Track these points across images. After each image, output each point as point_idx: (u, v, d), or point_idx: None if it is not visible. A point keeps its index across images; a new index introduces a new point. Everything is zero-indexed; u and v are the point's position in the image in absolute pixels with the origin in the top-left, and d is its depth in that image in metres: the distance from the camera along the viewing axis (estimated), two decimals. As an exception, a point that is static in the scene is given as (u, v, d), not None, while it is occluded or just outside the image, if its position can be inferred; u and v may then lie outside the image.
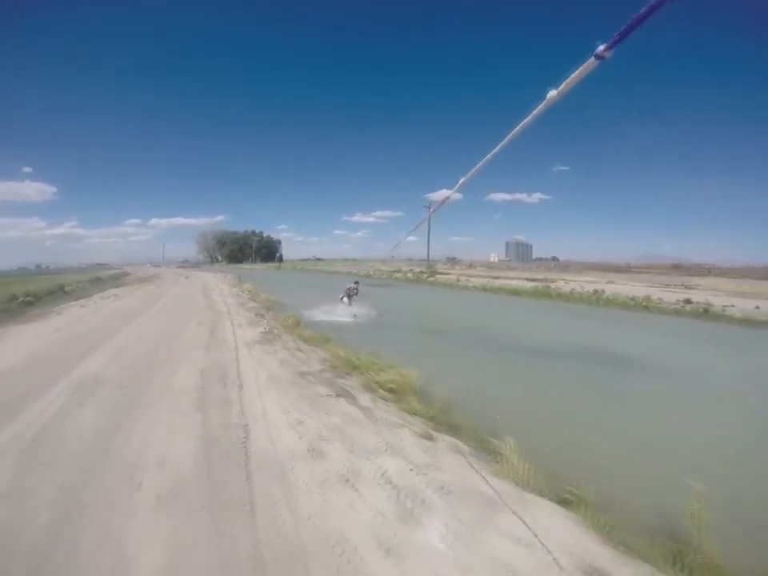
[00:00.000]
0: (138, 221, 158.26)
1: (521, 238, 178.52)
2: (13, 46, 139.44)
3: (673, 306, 16.23)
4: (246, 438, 2.98)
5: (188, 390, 4.15)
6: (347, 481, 2.49)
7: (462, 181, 2.19)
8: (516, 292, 21.90)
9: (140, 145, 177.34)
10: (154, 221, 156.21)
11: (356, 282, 13.43)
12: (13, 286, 18.51)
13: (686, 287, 30.63)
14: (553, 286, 22.36)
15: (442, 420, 3.83)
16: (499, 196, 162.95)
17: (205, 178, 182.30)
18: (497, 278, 31.37)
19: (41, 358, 5.56)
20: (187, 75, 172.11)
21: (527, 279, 29.59)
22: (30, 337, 7.14)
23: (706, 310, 14.66)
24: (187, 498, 2.29)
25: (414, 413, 3.93)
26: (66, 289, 20.44)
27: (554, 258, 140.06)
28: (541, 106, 1.38)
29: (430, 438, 3.28)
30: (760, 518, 2.63)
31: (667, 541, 2.17)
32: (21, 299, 14.12)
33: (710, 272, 52.73)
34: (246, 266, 70.94)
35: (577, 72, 1.19)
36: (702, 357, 7.78)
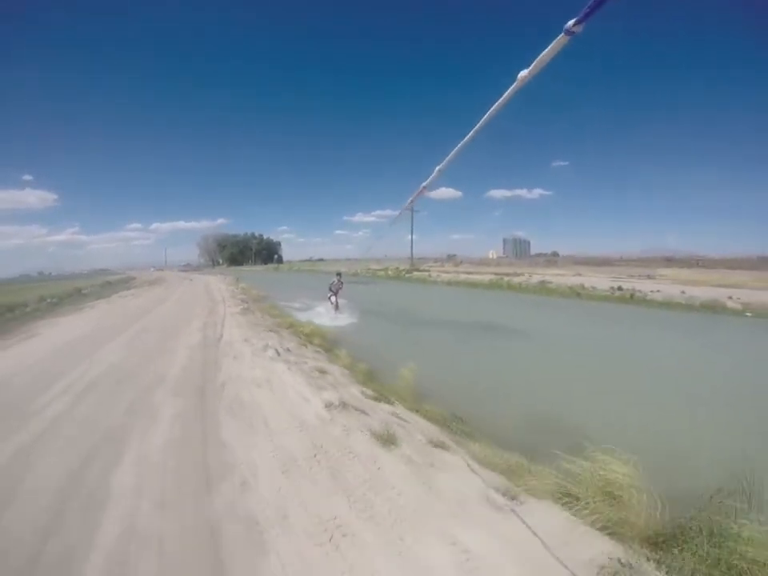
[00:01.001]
0: (139, 225, 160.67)
1: (518, 234, 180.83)
2: (12, 51, 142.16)
3: (604, 293, 19.92)
4: (221, 337, 7.14)
5: (197, 328, 8.31)
6: (264, 347, 6.57)
7: (437, 169, 2.11)
8: (473, 285, 25.91)
9: (140, 149, 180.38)
10: (155, 225, 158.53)
11: (338, 275, 12.90)
12: (29, 291, 21.94)
13: (648, 277, 34.42)
14: (506, 279, 26.27)
15: (327, 347, 7.81)
16: (499, 192, 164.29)
17: (205, 182, 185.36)
18: (470, 273, 35.25)
19: (105, 326, 9.73)
20: (186, 79, 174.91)
21: (495, 274, 33.44)
22: (83, 321, 11.31)
23: (631, 296, 18.26)
24: (198, 348, 6.41)
25: (308, 338, 8.01)
26: (83, 292, 24.68)
27: (554, 254, 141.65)
28: (513, 87, 1.37)
29: (305, 344, 7.34)
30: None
31: (446, 411, 6.13)
32: (48, 300, 18.20)
33: (698, 263, 56.16)
34: (245, 269, 75.26)
35: (547, 50, 1.17)
36: (574, 328, 10.55)
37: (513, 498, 2.28)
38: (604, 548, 1.84)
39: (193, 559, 1.88)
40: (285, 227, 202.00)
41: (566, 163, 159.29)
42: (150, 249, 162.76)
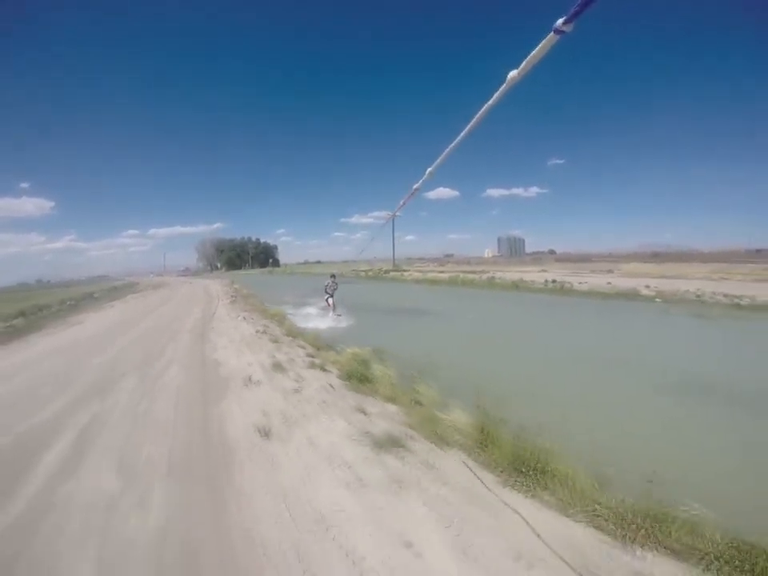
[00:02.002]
0: (136, 231, 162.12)
1: (513, 233, 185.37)
2: (7, 58, 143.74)
3: (539, 286, 24.19)
4: (214, 313, 11.66)
5: (199, 311, 12.80)
6: (239, 318, 10.99)
7: (429, 170, 2.15)
8: (435, 282, 30.33)
9: (136, 155, 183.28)
10: (152, 231, 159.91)
11: (332, 276, 13.21)
12: (40, 297, 25.52)
13: (609, 271, 38.86)
14: (461, 276, 30.69)
15: (279, 320, 12.24)
16: (496, 191, 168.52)
17: (202, 186, 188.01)
18: (441, 272, 39.67)
19: (131, 315, 14.20)
20: (182, 82, 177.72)
21: (463, 272, 37.82)
22: (112, 313, 15.78)
23: (561, 287, 22.66)
24: (200, 319, 10.86)
25: (268, 315, 12.46)
26: (95, 296, 29.04)
27: (551, 251, 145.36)
28: (502, 88, 1.38)
29: (266, 318, 11.78)
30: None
31: (321, 342, 10.57)
32: (68, 303, 22.38)
33: (680, 258, 60.56)
34: (242, 272, 79.74)
35: (537, 49, 1.18)
36: (482, 311, 14.95)
37: (348, 387, 6.72)
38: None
39: (198, 365, 6.33)
40: (282, 230, 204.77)
41: (562, 161, 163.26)
42: (147, 255, 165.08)
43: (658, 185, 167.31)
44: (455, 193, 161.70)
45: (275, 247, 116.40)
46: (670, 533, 1.98)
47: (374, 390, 4.68)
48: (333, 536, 2.04)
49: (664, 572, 1.78)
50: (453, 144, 1.85)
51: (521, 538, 2.03)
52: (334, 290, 12.69)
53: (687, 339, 9.22)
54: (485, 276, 29.84)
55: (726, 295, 15.87)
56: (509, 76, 1.32)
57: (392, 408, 4.01)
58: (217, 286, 31.85)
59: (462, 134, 1.74)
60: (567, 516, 2.20)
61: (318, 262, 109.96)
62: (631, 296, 18.28)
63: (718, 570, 1.77)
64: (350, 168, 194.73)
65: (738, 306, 14.11)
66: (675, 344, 8.58)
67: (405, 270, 46.94)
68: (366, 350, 6.14)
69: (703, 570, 1.77)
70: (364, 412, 3.84)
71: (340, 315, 12.15)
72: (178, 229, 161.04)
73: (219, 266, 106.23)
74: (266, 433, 3.33)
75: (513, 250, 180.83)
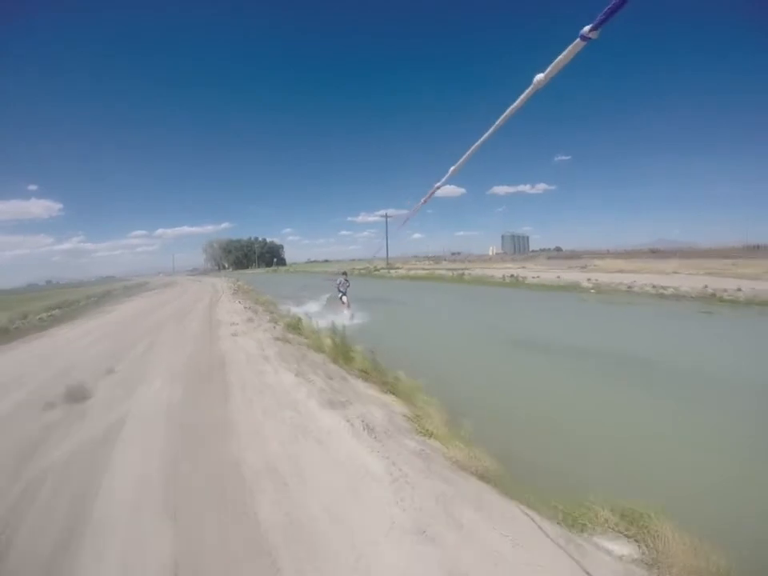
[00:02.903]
0: (144, 232, 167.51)
1: (517, 230, 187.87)
2: (12, 61, 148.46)
3: (498, 280, 28.34)
4: (219, 300, 16.17)
5: (207, 300, 17.33)
6: (236, 302, 15.43)
7: (452, 169, 2.19)
8: (414, 278, 34.55)
9: (143, 156, 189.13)
10: (159, 231, 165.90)
11: (344, 274, 13.51)
12: (62, 295, 30.26)
13: (582, 268, 42.61)
14: (437, 272, 34.88)
15: (268, 309, 16.65)
16: (502, 189, 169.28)
17: (209, 186, 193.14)
18: (425, 269, 43.82)
19: (153, 305, 18.82)
20: (189, 83, 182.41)
21: (445, 269, 41.94)
22: (137, 304, 20.46)
23: (517, 280, 26.78)
24: (208, 304, 15.36)
25: (259, 302, 16.90)
26: (114, 293, 33.99)
27: (558, 248, 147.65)
28: (528, 90, 1.42)
29: (256, 302, 16.22)
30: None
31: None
32: (92, 299, 27.18)
33: (675, 255, 63.70)
34: (249, 272, 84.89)
35: (563, 54, 1.23)
36: (433, 299, 20.23)
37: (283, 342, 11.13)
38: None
39: (207, 320, 10.75)
40: (289, 229, 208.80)
41: (568, 157, 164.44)
42: (155, 255, 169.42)
43: (665, 181, 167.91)
44: (462, 190, 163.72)
45: (281, 247, 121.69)
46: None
47: (299, 332, 9.00)
48: (244, 355, 6.41)
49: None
50: (476, 144, 1.87)
51: (354, 388, 6.35)
52: (347, 287, 12.98)
53: (560, 315, 13.20)
54: (457, 272, 33.97)
55: (654, 286, 19.60)
56: (535, 79, 1.38)
57: (300, 338, 8.34)
58: (223, 283, 36.57)
59: (487, 134, 1.77)
60: (384, 393, 6.49)
61: (326, 261, 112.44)
62: (571, 288, 22.21)
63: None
64: (356, 167, 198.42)
65: (662, 296, 17.70)
66: (543, 317, 12.62)
67: (397, 268, 51.13)
68: (303, 315, 10.48)
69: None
70: (286, 340, 8.18)
71: (353, 315, 12.20)
72: (186, 229, 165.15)
73: (227, 265, 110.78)
74: (234, 334, 7.78)
75: (517, 247, 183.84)
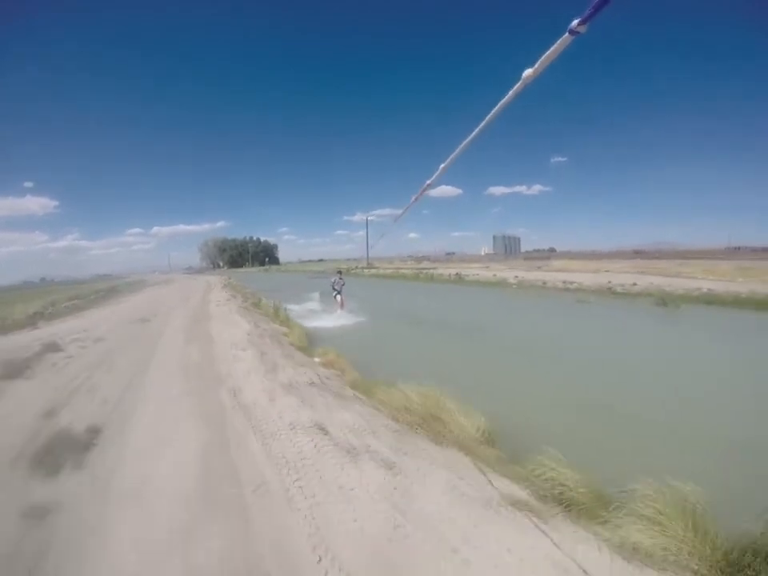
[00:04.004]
0: (139, 230, 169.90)
1: (508, 232, 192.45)
2: (10, 58, 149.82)
3: (445, 278, 33.89)
4: (212, 288, 21.76)
5: (202, 291, 22.89)
6: (223, 292, 20.95)
7: (442, 166, 2.20)
8: (384, 276, 40.12)
9: (139, 154, 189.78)
10: (155, 229, 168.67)
11: (339, 273, 13.79)
12: (64, 292, 36.40)
13: (538, 268, 48.04)
14: (401, 271, 40.50)
15: (245, 296, 22.17)
16: (499, 189, 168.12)
17: (205, 184, 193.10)
18: (399, 269, 49.41)
19: (158, 297, 24.38)
20: (185, 81, 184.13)
21: (418, 269, 47.57)
22: (143, 296, 25.98)
23: (460, 277, 32.43)
24: (203, 293, 20.90)
25: (239, 291, 22.46)
26: (118, 288, 39.42)
27: (551, 249, 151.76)
28: (517, 86, 1.44)
29: (238, 292, 21.76)
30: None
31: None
32: (100, 293, 32.74)
33: (656, 255, 68.92)
34: (242, 270, 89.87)
35: (552, 49, 1.24)
36: (383, 293, 25.73)
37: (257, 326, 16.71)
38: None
39: (203, 301, 16.28)
40: (285, 228, 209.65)
41: (565, 159, 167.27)
42: (150, 253, 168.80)
43: (662, 184, 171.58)
44: (458, 191, 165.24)
45: (275, 246, 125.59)
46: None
47: (258, 307, 14.52)
48: (221, 313, 11.99)
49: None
50: (467, 140, 1.89)
51: (268, 324, 11.93)
52: (342, 285, 13.17)
53: (457, 301, 18.75)
54: (416, 271, 39.64)
55: (564, 282, 25.24)
56: (524, 74, 1.39)
57: (257, 309, 13.89)
58: (215, 281, 42.10)
59: (476, 130, 1.78)
60: (280, 325, 12.06)
61: (321, 260, 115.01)
62: (499, 284, 27.97)
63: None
64: (352, 167, 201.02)
65: (567, 289, 23.12)
66: (442, 303, 18.13)
67: (376, 268, 56.64)
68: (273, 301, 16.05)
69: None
70: (246, 309, 13.70)
71: (349, 313, 12.49)
72: (181, 227, 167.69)
73: (221, 264, 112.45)
74: (218, 304, 13.46)
75: (508, 248, 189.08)
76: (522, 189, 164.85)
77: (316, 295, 18.28)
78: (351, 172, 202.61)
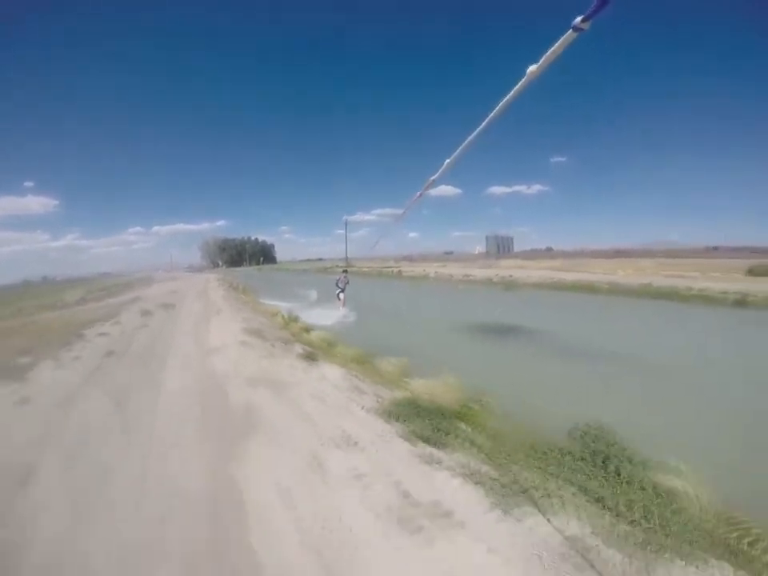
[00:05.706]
0: (140, 229, 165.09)
1: (501, 232, 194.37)
2: (10, 56, 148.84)
3: (411, 275, 41.44)
4: (209, 280, 29.59)
5: (202, 285, 30.64)
6: (219, 286, 28.66)
7: (447, 162, 2.23)
8: (361, 274, 47.65)
9: (139, 153, 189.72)
10: (156, 228, 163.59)
11: (344, 271, 14.01)
12: (73, 289, 44.65)
13: (489, 266, 55.31)
14: (377, 269, 48.05)
15: (238, 291, 29.80)
16: (499, 189, 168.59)
17: (205, 183, 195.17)
18: (384, 268, 56.86)
19: (167, 289, 32.18)
20: (186, 80, 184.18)
21: (388, 267, 54.96)
22: (155, 289, 33.74)
23: (425, 275, 39.99)
24: (203, 286, 28.62)
25: (232, 287, 30.19)
26: (130, 285, 47.11)
27: (548, 249, 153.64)
28: (522, 82, 1.47)
29: (231, 285, 29.47)
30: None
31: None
32: (114, 288, 40.40)
33: (636, 255, 75.03)
34: (240, 269, 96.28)
35: (555, 46, 1.27)
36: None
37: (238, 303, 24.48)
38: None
39: (204, 291, 24.02)
40: (285, 227, 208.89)
41: (564, 159, 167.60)
42: (151, 252, 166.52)
43: (661, 185, 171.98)
44: (458, 191, 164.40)
45: (272, 246, 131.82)
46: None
47: (244, 294, 22.14)
48: (215, 293, 19.78)
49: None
50: (471, 136, 1.91)
51: (246, 304, 19.68)
52: (346, 284, 13.27)
53: (404, 293, 26.23)
54: (395, 270, 47.29)
55: (464, 275, 32.98)
56: (528, 70, 1.41)
57: (242, 294, 21.57)
58: (213, 278, 49.84)
59: (481, 127, 1.80)
60: (253, 307, 19.76)
61: (320, 260, 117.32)
62: (423, 278, 35.86)
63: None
64: (353, 166, 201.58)
65: (464, 281, 31.09)
66: (388, 294, 25.64)
67: (353, 267, 63.99)
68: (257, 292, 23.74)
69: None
70: (235, 294, 21.37)
71: (342, 308, 12.60)
72: (181, 226, 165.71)
73: (221, 263, 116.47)
74: (212, 288, 21.15)
75: (501, 248, 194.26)
76: (521, 188, 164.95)
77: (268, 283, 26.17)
78: (352, 172, 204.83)
